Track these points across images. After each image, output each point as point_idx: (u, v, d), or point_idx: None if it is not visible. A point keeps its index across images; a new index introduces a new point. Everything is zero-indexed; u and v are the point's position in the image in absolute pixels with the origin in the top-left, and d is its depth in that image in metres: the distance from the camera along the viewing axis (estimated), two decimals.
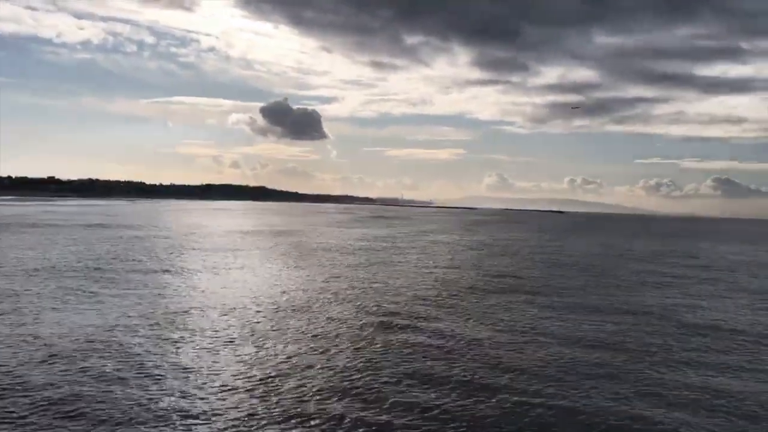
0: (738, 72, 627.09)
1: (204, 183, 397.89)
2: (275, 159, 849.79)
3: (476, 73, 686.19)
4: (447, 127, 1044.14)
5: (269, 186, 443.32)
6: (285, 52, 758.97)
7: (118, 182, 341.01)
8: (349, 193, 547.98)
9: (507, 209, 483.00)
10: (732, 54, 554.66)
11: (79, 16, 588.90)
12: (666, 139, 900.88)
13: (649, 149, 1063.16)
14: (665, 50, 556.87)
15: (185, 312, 20.43)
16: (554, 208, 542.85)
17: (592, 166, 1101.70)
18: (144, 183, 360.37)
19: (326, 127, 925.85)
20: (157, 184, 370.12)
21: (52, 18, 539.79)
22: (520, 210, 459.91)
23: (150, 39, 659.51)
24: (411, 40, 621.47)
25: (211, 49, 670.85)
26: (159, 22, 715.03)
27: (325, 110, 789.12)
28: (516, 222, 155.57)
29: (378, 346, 16.94)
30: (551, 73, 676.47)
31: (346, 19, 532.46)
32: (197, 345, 16.25)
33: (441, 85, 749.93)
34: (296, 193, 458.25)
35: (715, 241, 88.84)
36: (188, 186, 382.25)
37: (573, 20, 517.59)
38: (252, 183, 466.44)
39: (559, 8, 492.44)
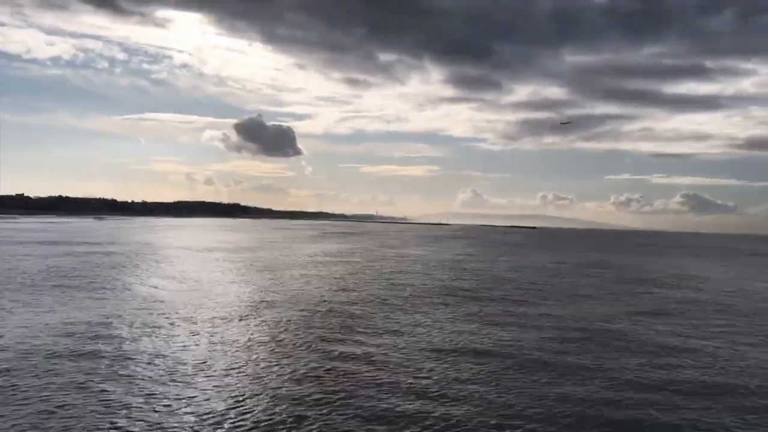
0: (704, 90, 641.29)
1: (177, 200, 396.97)
2: (249, 176, 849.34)
3: (449, 91, 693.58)
4: (421, 144, 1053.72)
5: (243, 203, 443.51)
6: (259, 68, 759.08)
7: (88, 199, 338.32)
8: (324, 210, 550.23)
9: (482, 225, 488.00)
10: (698, 72, 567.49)
11: (48, 32, 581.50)
12: (635, 156, 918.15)
13: (618, 165, 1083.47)
14: (633, 69, 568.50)
15: (98, 324, 21.85)
16: (527, 224, 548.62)
17: (563, 182, 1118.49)
18: (116, 200, 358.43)
19: (301, 144, 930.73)
20: (129, 201, 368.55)
21: (21, 34, 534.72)
22: (494, 226, 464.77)
23: (122, 55, 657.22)
24: (385, 57, 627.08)
25: (184, 66, 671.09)
26: (131, 39, 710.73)
27: (299, 127, 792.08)
28: (476, 237, 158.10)
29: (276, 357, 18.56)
30: (523, 91, 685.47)
31: (319, 37, 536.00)
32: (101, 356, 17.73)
33: (415, 102, 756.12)
34: (271, 209, 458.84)
35: (667, 255, 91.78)
36: (161, 203, 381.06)
37: (544, 39, 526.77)
38: (226, 200, 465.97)
39: (529, 27, 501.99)
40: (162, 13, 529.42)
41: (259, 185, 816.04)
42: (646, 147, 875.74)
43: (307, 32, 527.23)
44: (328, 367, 16.54)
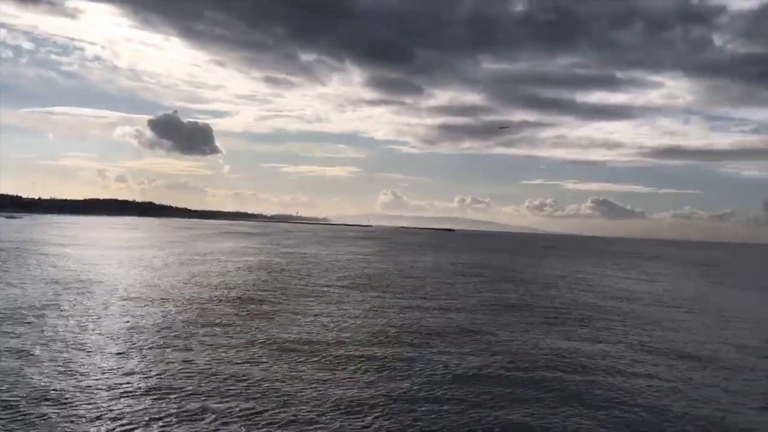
0: (614, 100, 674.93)
1: (88, 198, 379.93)
2: (164, 174, 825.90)
3: (370, 93, 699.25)
4: (342, 145, 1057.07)
5: (158, 201, 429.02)
6: (176, 64, 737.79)
7: None
8: (243, 210, 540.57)
9: (403, 227, 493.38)
10: (608, 83, 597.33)
11: None
12: (549, 162, 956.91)
13: (533, 171, 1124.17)
14: (548, 77, 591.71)
15: None
16: (446, 226, 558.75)
17: (481, 187, 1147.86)
18: (21, 197, 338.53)
19: (219, 142, 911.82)
20: (36, 198, 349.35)
21: None
22: (413, 227, 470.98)
23: (28, 45, 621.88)
24: (305, 57, 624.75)
25: (96, 59, 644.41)
26: (38, 28, 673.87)
27: (217, 125, 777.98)
28: (384, 239, 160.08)
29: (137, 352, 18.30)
30: (442, 96, 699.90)
31: (239, 35, 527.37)
32: None
33: (336, 103, 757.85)
34: (187, 209, 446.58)
35: (562, 258, 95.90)
36: (70, 201, 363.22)
37: (462, 46, 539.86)
38: (139, 198, 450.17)
39: (448, 34, 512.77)
40: (72, 2, 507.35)
41: (175, 184, 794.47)
42: (560, 153, 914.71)
43: (226, 30, 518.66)
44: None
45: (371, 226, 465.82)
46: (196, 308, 25.99)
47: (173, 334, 20.40)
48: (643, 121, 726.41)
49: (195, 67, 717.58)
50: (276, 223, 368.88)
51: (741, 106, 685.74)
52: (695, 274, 66.73)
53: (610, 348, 21.31)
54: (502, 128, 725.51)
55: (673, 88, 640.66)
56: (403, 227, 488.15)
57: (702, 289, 47.37)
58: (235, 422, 12.27)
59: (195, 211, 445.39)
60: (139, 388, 14.06)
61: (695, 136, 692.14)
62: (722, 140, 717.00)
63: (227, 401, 13.50)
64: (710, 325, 28.19)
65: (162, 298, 28.37)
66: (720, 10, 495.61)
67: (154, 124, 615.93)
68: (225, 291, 32.14)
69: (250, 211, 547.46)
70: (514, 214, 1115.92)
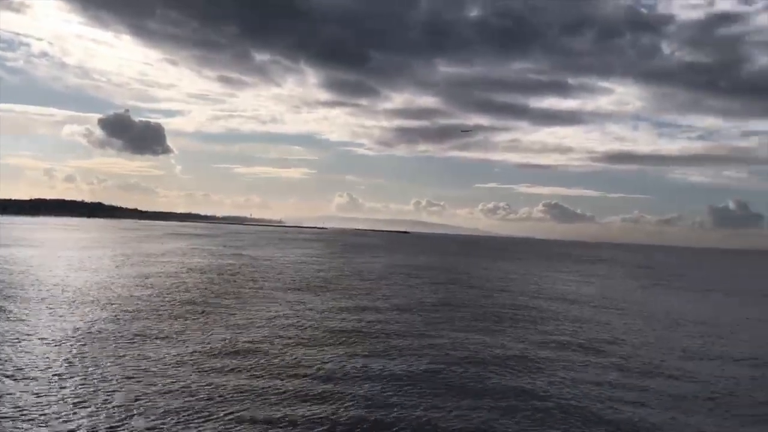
0: (566, 105, 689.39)
1: (34, 198, 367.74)
2: (115, 174, 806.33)
3: (326, 95, 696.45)
4: (298, 147, 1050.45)
5: (107, 202, 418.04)
6: (127, 62, 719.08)
7: None
8: (195, 211, 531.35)
9: (357, 229, 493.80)
10: (560, 88, 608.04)
11: None
12: (503, 166, 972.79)
13: (487, 175, 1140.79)
14: (502, 82, 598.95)
15: None
16: (401, 229, 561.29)
17: (436, 189, 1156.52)
18: None
19: (171, 142, 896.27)
20: None
21: None
22: (369, 230, 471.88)
23: None
24: (260, 57, 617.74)
25: (44, 55, 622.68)
26: None
27: (169, 124, 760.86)
28: (334, 240, 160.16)
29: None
30: (398, 99, 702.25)
31: (191, 33, 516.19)
32: None
33: (291, 104, 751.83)
34: (138, 210, 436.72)
35: (507, 260, 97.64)
36: (15, 201, 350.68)
37: (418, 49, 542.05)
38: (88, 199, 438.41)
39: (404, 37, 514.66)
40: None
41: (125, 184, 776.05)
42: (514, 158, 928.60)
43: (178, 28, 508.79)
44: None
45: (326, 228, 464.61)
46: (133, 312, 25.68)
47: (112, 338, 20.17)
48: (593, 127, 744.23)
49: (147, 66, 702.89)
50: (228, 225, 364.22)
51: (687, 113, 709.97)
52: (633, 276, 68.94)
53: (529, 346, 21.97)
54: (465, 132, 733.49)
55: (622, 94, 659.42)
56: (358, 229, 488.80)
57: (635, 291, 49.08)
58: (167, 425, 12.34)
59: (146, 212, 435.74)
60: (72, 395, 13.87)
61: (644, 141, 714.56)
62: (670, 146, 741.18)
63: (160, 406, 13.51)
64: (635, 325, 29.32)
65: (105, 302, 27.72)
66: (668, 19, 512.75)
67: (104, 123, 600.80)
68: (168, 295, 31.76)
69: (202, 213, 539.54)
70: (468, 217, 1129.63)
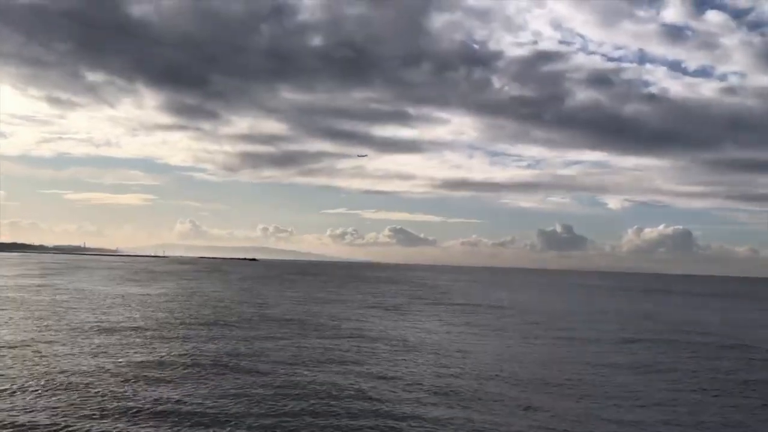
0: (407, 134, 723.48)
1: None
2: None
3: (165, 118, 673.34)
4: (135, 171, 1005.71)
5: None
6: None
7: None
8: (21, 241, 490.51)
9: (201, 257, 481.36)
10: (401, 118, 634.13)
11: None
12: (349, 192, 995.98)
13: (334, 200, 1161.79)
14: (345, 110, 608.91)
15: None
16: (249, 256, 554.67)
17: (283, 215, 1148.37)
18: None
19: None
20: None
21: None
22: (214, 258, 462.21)
23: None
24: (93, 77, 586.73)
25: None
26: None
27: None
28: (167, 272, 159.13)
29: None
30: (241, 123, 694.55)
31: (15, 49, 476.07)
32: None
33: (127, 127, 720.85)
34: None
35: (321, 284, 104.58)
36: None
37: (259, 74, 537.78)
38: None
39: (245, 62, 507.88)
40: None
41: None
42: (359, 184, 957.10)
43: (1, 43, 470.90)
44: None
45: (167, 257, 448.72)
46: None
47: None
48: (433, 155, 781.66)
49: None
50: (58, 256, 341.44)
51: (516, 143, 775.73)
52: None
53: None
54: (361, 156, 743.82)
55: (458, 124, 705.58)
56: (202, 257, 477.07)
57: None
58: None
59: None
60: None
61: (478, 169, 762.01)
62: (501, 174, 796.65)
63: None
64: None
65: None
66: (498, 55, 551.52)
67: None
68: None
69: (29, 242, 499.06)
70: (316, 243, 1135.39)
